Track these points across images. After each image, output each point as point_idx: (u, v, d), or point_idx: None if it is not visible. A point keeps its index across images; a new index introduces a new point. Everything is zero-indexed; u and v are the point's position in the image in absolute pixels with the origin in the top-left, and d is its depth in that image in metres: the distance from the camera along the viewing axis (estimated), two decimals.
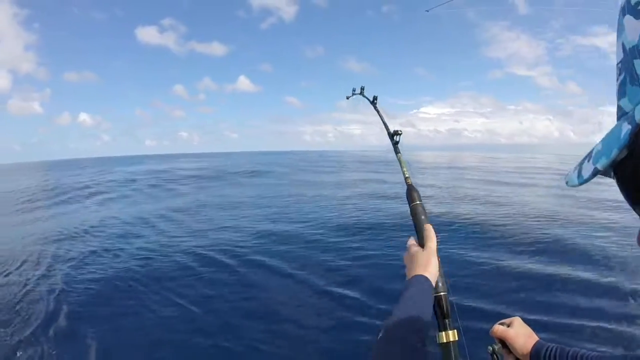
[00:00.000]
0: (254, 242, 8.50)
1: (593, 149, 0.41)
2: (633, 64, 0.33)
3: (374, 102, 1.85)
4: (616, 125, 0.37)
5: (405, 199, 1.26)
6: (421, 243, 1.12)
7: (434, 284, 1.01)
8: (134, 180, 24.98)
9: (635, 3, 0.33)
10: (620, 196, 0.39)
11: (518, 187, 17.03)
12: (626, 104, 0.36)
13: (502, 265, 6.32)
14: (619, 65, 0.37)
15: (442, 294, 1.04)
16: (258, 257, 7.37)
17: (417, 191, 1.25)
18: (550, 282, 5.61)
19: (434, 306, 1.00)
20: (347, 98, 1.92)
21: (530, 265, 6.32)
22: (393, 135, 1.56)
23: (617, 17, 0.37)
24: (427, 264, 1.02)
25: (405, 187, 1.30)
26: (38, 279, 6.76)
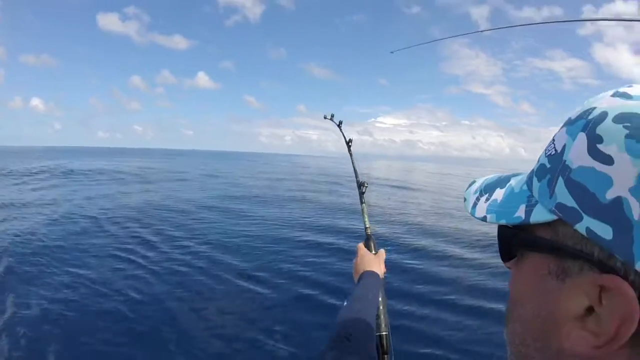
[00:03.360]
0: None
1: (494, 190, 0.45)
2: (557, 180, 0.35)
3: (348, 143, 1.84)
4: (519, 192, 0.41)
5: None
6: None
7: (381, 278, 1.21)
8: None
9: (598, 136, 0.32)
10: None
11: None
12: (536, 187, 0.38)
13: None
14: (551, 154, 0.37)
15: (384, 333, 1.12)
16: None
17: (374, 241, 1.38)
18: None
19: (375, 345, 1.06)
20: (325, 118, 1.88)
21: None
22: (360, 186, 1.59)
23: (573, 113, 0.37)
24: (377, 264, 1.25)
25: (365, 235, 1.42)
26: None
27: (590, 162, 0.32)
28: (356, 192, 1.61)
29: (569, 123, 0.37)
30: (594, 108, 0.35)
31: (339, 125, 1.87)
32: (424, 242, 8.59)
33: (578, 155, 0.33)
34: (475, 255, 7.46)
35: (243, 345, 4.40)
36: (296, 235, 8.87)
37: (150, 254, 7.39)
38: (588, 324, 0.32)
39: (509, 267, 0.43)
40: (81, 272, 6.33)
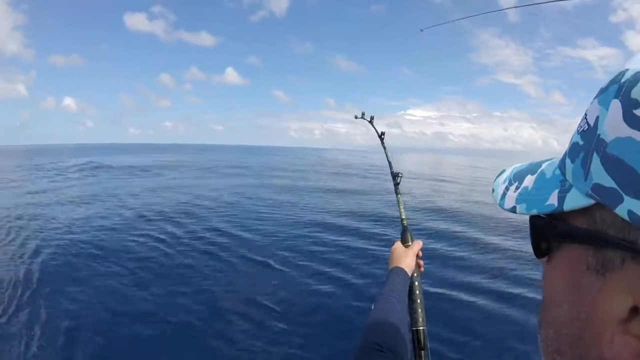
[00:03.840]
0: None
1: (524, 177, 0.41)
2: (591, 158, 0.30)
3: (381, 137, 1.84)
4: (551, 177, 0.37)
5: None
6: (406, 245, 1.31)
7: (409, 274, 1.18)
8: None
9: (634, 101, 0.27)
10: None
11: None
12: (569, 169, 0.34)
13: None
14: (584, 130, 0.33)
15: (420, 328, 1.10)
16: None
17: (410, 232, 1.36)
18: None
19: (412, 339, 1.06)
20: (356, 118, 1.89)
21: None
22: (395, 177, 1.58)
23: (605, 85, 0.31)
24: (407, 258, 1.21)
25: (401, 227, 1.40)
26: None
27: (627, 132, 0.27)
28: (391, 183, 1.59)
29: (601, 92, 0.32)
30: (626, 70, 0.29)
31: (371, 121, 1.89)
32: (463, 231, 8.65)
33: (613, 126, 0.28)
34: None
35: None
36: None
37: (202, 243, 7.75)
38: (633, 327, 0.27)
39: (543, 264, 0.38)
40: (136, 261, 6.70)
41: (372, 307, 1.02)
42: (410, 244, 1.30)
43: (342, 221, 9.76)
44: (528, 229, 0.38)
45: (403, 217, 1.43)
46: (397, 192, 1.54)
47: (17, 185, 16.86)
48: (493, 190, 0.45)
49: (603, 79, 0.34)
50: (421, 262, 1.26)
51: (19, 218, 9.80)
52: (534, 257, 0.38)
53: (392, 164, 1.70)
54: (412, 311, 1.12)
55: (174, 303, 5.17)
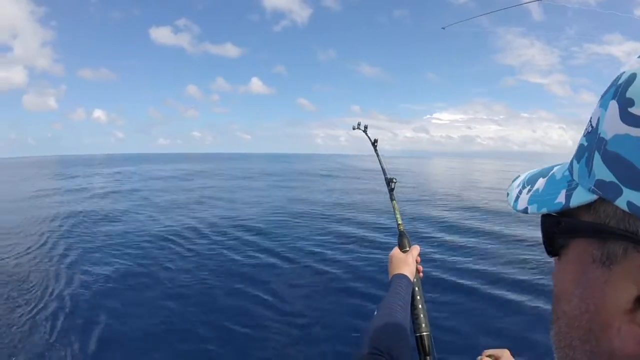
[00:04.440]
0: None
1: (536, 180, 0.43)
2: (593, 156, 0.32)
3: (374, 144, 1.88)
4: (560, 178, 0.39)
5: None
6: (404, 251, 1.31)
7: (412, 279, 1.17)
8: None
9: (628, 100, 0.29)
10: None
11: None
12: (576, 169, 0.36)
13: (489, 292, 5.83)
14: (588, 132, 0.35)
15: (424, 334, 1.09)
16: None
17: (407, 238, 1.34)
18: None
19: (416, 345, 1.07)
20: (353, 129, 1.97)
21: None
22: (389, 182, 1.58)
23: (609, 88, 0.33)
24: (403, 264, 1.21)
25: (398, 233, 1.38)
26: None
27: (624, 129, 0.29)
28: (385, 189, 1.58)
29: (602, 96, 0.34)
30: (622, 73, 0.32)
31: (365, 130, 1.96)
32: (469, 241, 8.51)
33: (611, 124, 0.30)
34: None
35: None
36: None
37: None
38: (639, 317, 0.28)
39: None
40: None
41: (375, 313, 1.02)
42: (407, 249, 1.29)
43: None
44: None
45: (399, 222, 1.42)
46: (392, 198, 1.53)
47: (61, 191, 18.40)
48: (508, 194, 0.48)
49: None
50: (420, 267, 1.25)
51: (72, 227, 10.45)
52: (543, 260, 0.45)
53: (386, 170, 1.70)
54: (414, 317, 1.12)
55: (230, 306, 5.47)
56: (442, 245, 8.32)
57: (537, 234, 0.39)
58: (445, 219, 11.11)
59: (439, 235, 9.17)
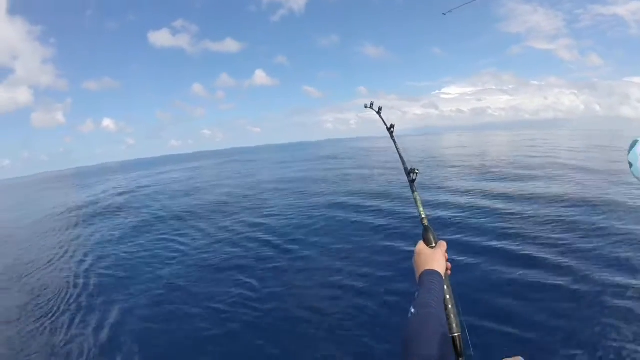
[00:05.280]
0: None
1: None
2: None
3: (390, 129, 1.78)
4: None
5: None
6: (430, 246, 1.24)
7: (442, 275, 1.12)
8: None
9: None
10: None
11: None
12: None
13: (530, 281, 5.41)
14: None
15: (456, 334, 1.05)
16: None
17: (433, 232, 1.27)
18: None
19: None
20: (365, 107, 1.90)
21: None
22: (409, 173, 1.48)
23: None
24: (432, 260, 1.14)
25: (422, 227, 1.30)
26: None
27: None
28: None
29: None
30: None
31: (379, 112, 1.85)
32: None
33: None
34: None
35: None
36: None
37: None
38: None
39: None
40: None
41: (411, 313, 0.96)
42: (434, 245, 1.23)
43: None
44: None
45: (423, 216, 1.35)
46: (413, 190, 1.45)
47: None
48: (631, 165, 0.35)
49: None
50: (449, 264, 1.19)
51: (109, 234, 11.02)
52: None
53: (405, 159, 1.58)
54: (445, 317, 1.06)
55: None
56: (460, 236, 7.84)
57: None
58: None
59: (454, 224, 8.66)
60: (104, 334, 4.98)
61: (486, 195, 11.10)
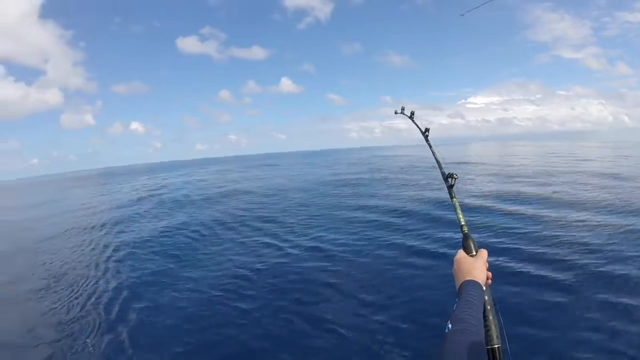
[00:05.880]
0: None
1: None
2: None
3: (425, 133, 1.72)
4: None
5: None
6: (470, 255, 1.22)
7: (483, 285, 1.10)
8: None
9: None
10: None
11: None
12: None
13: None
14: None
15: (495, 346, 1.02)
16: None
17: (473, 240, 1.23)
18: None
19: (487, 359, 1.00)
20: (395, 113, 1.87)
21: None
22: (447, 178, 1.44)
23: None
24: (472, 269, 1.12)
25: (462, 234, 1.28)
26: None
27: None
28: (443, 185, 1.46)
29: None
30: None
31: (411, 116, 1.81)
32: None
33: None
34: None
35: None
36: None
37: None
38: None
39: None
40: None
41: (448, 327, 0.93)
42: (474, 253, 1.21)
43: None
44: None
45: (462, 223, 1.32)
46: (452, 196, 1.41)
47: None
48: None
49: None
50: (490, 274, 1.16)
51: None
52: None
53: (442, 164, 1.57)
54: (486, 328, 1.04)
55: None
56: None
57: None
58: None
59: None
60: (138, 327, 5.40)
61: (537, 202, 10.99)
